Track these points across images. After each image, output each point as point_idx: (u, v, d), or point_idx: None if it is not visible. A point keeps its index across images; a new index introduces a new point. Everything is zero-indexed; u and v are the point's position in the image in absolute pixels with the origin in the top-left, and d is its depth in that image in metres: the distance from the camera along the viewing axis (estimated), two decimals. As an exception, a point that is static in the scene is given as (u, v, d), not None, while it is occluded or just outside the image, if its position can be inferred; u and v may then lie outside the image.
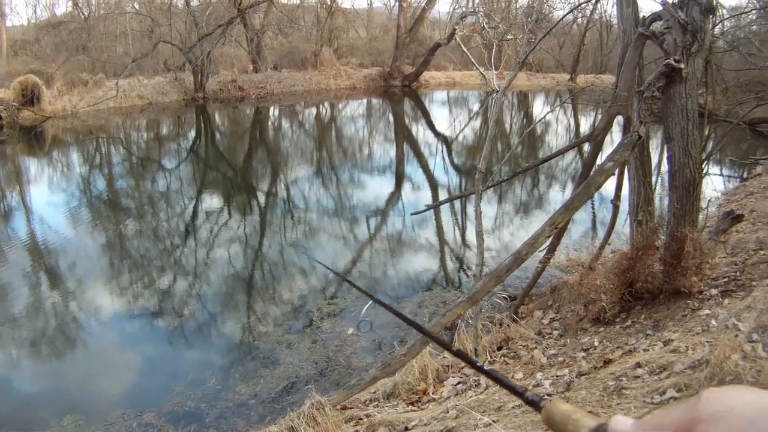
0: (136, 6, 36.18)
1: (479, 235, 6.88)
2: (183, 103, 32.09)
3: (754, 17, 20.62)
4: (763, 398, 0.75)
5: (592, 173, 6.44)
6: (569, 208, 5.95)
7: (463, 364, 6.83)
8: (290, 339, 8.36)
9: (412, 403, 6.04)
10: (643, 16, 7.33)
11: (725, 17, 14.82)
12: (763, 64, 16.83)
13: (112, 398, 7.11)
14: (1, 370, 7.80)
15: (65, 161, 21.50)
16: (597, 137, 7.93)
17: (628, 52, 7.30)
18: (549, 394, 4.90)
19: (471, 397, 5.62)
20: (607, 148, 7.92)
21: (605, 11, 46.00)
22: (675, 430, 0.80)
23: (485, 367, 1.46)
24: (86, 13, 36.22)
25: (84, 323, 9.05)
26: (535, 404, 1.21)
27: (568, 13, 37.62)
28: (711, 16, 7.12)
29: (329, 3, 42.24)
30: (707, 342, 4.66)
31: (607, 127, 7.91)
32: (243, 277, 10.82)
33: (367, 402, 6.37)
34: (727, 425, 0.74)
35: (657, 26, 6.89)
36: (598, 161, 7.05)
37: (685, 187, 6.55)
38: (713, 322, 5.21)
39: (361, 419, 5.72)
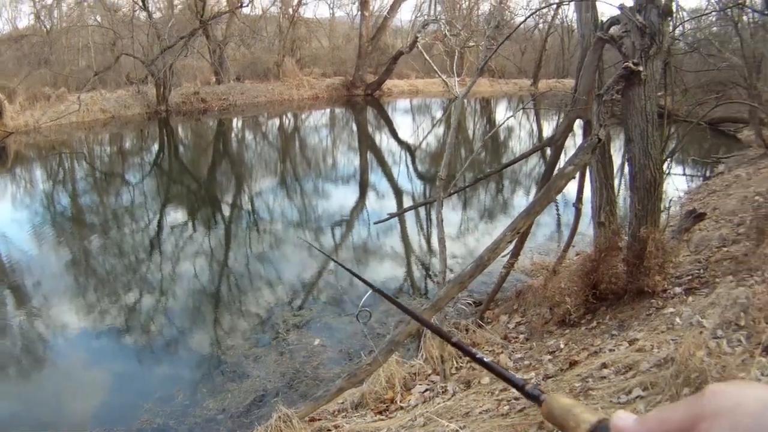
0: (99, 19, 35.85)
1: (441, 242, 6.88)
2: (146, 116, 31.88)
3: (713, 19, 20.91)
4: None
5: (552, 177, 6.46)
6: (530, 213, 5.97)
7: (430, 371, 6.82)
8: (257, 352, 8.30)
9: (380, 412, 6.02)
10: (602, 21, 7.39)
11: (685, 19, 15.01)
12: (722, 64, 17.06)
13: (80, 418, 7.00)
14: (-35, 393, 7.68)
15: (28, 177, 21.24)
16: (557, 141, 7.97)
17: (587, 56, 7.35)
18: (516, 398, 4.90)
19: (439, 404, 5.61)
20: (570, 152, 7.97)
21: (566, 16, 46.43)
22: (679, 426, 0.79)
23: (485, 359, 1.45)
24: (48, 27, 35.82)
25: (50, 342, 8.93)
26: (535, 398, 1.19)
27: (526, 18, 38.04)
28: (669, 19, 7.19)
29: (291, 13, 42.22)
30: (672, 340, 4.69)
31: (567, 130, 7.94)
32: (209, 291, 10.73)
33: (336, 413, 6.34)
34: (732, 421, 0.73)
35: (616, 30, 6.94)
36: (560, 165, 7.07)
37: (646, 188, 6.60)
38: (678, 320, 5.24)
39: (329, 430, 5.69)
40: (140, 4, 33.44)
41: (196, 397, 7.29)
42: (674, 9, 8.23)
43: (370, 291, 3.28)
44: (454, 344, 1.66)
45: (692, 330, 4.47)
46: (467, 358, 7.04)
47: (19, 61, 34.06)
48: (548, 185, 6.08)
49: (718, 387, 0.77)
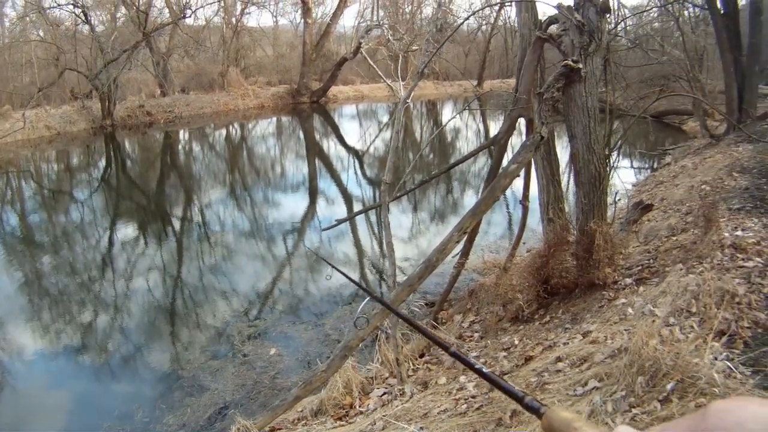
0: (41, 34, 35.41)
1: (389, 245, 6.89)
2: (91, 131, 31.56)
3: (655, 15, 21.27)
4: None
5: (497, 176, 6.51)
6: (476, 213, 6.02)
7: (387, 374, 6.83)
8: (215, 365, 8.24)
9: (339, 418, 6.01)
10: (541, 20, 7.46)
11: (627, 16, 15.21)
12: (664, 58, 17.36)
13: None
14: None
15: (-27, 199, 20.89)
16: (500, 140, 8.03)
17: (527, 56, 7.42)
18: (473, 396, 4.92)
19: (397, 406, 5.62)
20: (514, 150, 8.04)
21: (509, 17, 46.96)
22: None
23: (484, 370, 1.45)
24: (-9, 43, 35.36)
25: (4, 364, 8.77)
26: (535, 410, 1.20)
27: (467, 19, 38.35)
28: (608, 16, 7.29)
29: (235, 23, 42.08)
30: (625, 330, 4.74)
31: (510, 129, 8.01)
32: (164, 306, 10.64)
33: (296, 421, 6.32)
34: None
35: (554, 29, 7.01)
36: (504, 164, 7.12)
37: (591, 183, 6.67)
38: (630, 310, 5.30)
39: (290, 439, 5.68)
40: (82, 18, 33.08)
41: (155, 413, 7.22)
42: (614, 6, 8.35)
43: (368, 298, 3.28)
44: (452, 354, 1.67)
45: (644, 319, 4.52)
46: (424, 359, 7.08)
47: (-39, 78, 33.52)
48: (493, 184, 6.13)
49: (720, 405, 0.78)
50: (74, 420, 7.40)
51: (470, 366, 1.49)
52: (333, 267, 4.59)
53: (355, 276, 11.54)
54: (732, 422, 0.74)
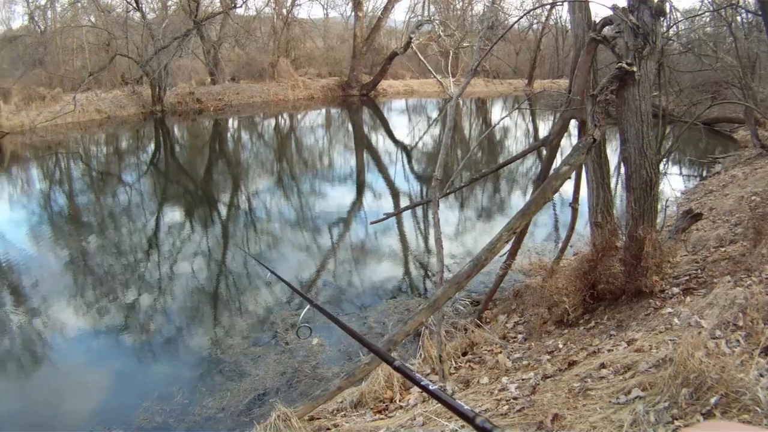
0: (93, 19, 35.80)
1: (438, 241, 6.88)
2: (141, 116, 31.95)
3: (707, 19, 20.93)
4: None
5: (548, 177, 6.48)
6: (526, 213, 5.98)
7: (428, 370, 6.84)
8: (256, 351, 8.30)
9: (379, 412, 6.02)
10: (595, 21, 7.40)
11: (679, 20, 15.03)
12: (717, 64, 17.09)
13: (79, 416, 7.00)
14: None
15: (25, 177, 21.22)
16: (552, 141, 7.98)
17: (580, 57, 7.36)
18: (515, 398, 4.91)
19: (437, 403, 5.62)
20: (565, 152, 7.98)
21: (560, 17, 46.54)
22: None
23: (430, 387, 1.43)
24: (42, 27, 35.80)
25: (48, 341, 8.92)
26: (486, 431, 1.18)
27: (519, 18, 38.15)
28: (662, 19, 7.21)
29: (285, 14, 42.22)
30: (670, 340, 4.70)
31: (561, 130, 7.96)
32: (207, 291, 10.73)
33: (335, 412, 6.35)
34: None
35: (609, 30, 6.95)
36: (555, 165, 7.09)
37: (642, 188, 6.61)
38: (676, 320, 5.25)
39: (329, 429, 5.70)
40: (133, 4, 33.45)
41: (195, 395, 7.30)
42: (667, 9, 8.25)
43: (308, 306, 3.28)
44: (396, 369, 1.65)
45: (690, 330, 4.49)
46: (466, 358, 7.08)
47: (14, 61, 34.02)
48: (544, 185, 6.09)
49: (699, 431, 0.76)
50: (114, 397, 7.50)
51: (416, 382, 1.47)
52: (272, 272, 4.59)
53: (399, 271, 11.54)
54: None
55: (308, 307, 3.31)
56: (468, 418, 1.20)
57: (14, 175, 21.61)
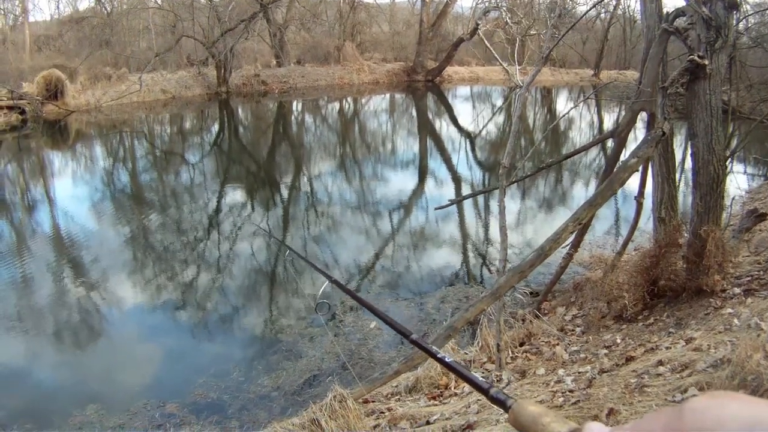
0: (159, 1, 36.40)
1: (503, 230, 6.86)
2: (206, 97, 32.37)
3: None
4: (751, 409, 0.73)
5: (615, 169, 6.43)
6: (593, 204, 5.94)
7: (485, 359, 6.85)
8: (313, 332, 8.39)
9: (433, 398, 6.05)
10: (667, 12, 7.28)
11: (749, 13, 14.71)
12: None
13: (134, 389, 7.16)
14: (25, 360, 7.87)
15: (89, 155, 21.68)
16: (620, 133, 7.89)
17: (651, 48, 7.26)
18: (571, 391, 4.91)
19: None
20: (631, 145, 7.89)
21: (629, 7, 46.02)
22: None
23: (446, 359, 1.44)
24: (109, 9, 36.51)
25: (107, 315, 9.13)
26: (500, 403, 1.17)
27: (591, 8, 37.46)
28: (735, 12, 7.08)
29: (352, -2, 42.31)
30: (729, 341, 4.65)
31: (630, 123, 7.86)
32: (265, 271, 10.86)
33: (389, 396, 6.40)
34: None
35: (681, 22, 6.85)
36: (622, 157, 7.02)
37: (709, 185, 6.52)
38: (736, 321, 5.19)
39: (382, 413, 5.74)
40: (201, -13, 33.79)
41: (250, 373, 7.41)
42: (740, 2, 8.10)
43: (327, 282, 3.32)
44: (411, 341, 1.66)
45: (750, 332, 4.44)
46: (523, 348, 7.07)
47: (80, 42, 34.79)
48: (611, 177, 6.04)
49: (699, 402, 0.75)
50: (171, 372, 7.68)
51: (432, 355, 1.48)
52: (291, 250, 4.61)
53: (458, 258, 11.54)
54: (711, 421, 0.70)
55: (327, 282, 3.36)
56: (483, 389, 1.22)
57: (78, 152, 22.08)
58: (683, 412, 0.75)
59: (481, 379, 1.24)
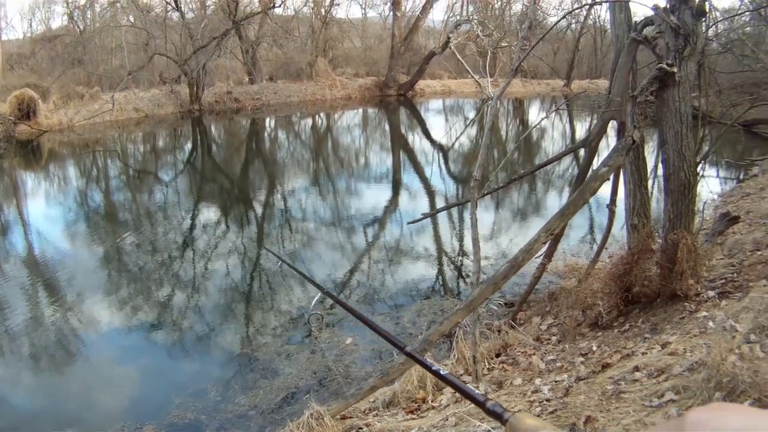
0: (132, 19, 36.28)
1: (476, 242, 6.87)
2: (179, 115, 32.30)
3: (747, 19, 20.67)
4: (752, 420, 0.71)
5: (587, 179, 6.45)
6: (565, 214, 5.96)
7: (462, 371, 6.84)
8: (289, 349, 8.35)
9: (411, 412, 6.03)
10: (636, 21, 7.35)
11: (718, 20, 14.86)
12: (757, 65, 16.87)
13: (111, 411, 7.08)
14: (1, 385, 7.78)
15: (62, 175, 21.54)
16: (591, 142, 7.93)
17: (621, 57, 7.32)
18: (548, 400, 4.90)
19: (470, 404, 5.61)
20: (603, 153, 7.93)
21: (599, 17, 46.31)
22: None
23: (442, 372, 1.42)
24: (81, 27, 36.37)
25: (83, 337, 9.04)
26: (497, 416, 1.15)
27: (560, 19, 37.97)
28: (703, 19, 7.14)
29: (324, 13, 42.40)
30: (705, 344, 4.66)
31: (601, 132, 7.91)
32: (241, 289, 10.82)
33: (367, 411, 6.37)
34: None
35: (649, 31, 6.90)
36: (594, 166, 7.05)
37: (680, 190, 6.56)
38: (711, 323, 5.21)
39: (360, 428, 5.72)
40: (173, 4, 33.87)
41: (227, 393, 7.36)
42: (708, 9, 8.17)
43: (319, 294, 3.33)
44: (407, 354, 1.65)
45: (725, 334, 4.45)
46: (500, 359, 7.06)
47: (53, 60, 34.66)
48: (582, 187, 6.07)
49: (699, 414, 0.74)
50: (147, 393, 7.61)
51: (427, 368, 1.47)
52: (283, 261, 4.65)
53: (434, 271, 11.54)
54: None
55: (319, 294, 3.37)
56: (479, 402, 1.20)
57: (52, 172, 21.94)
58: (684, 423, 0.75)
59: (477, 392, 1.22)
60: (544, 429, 0.99)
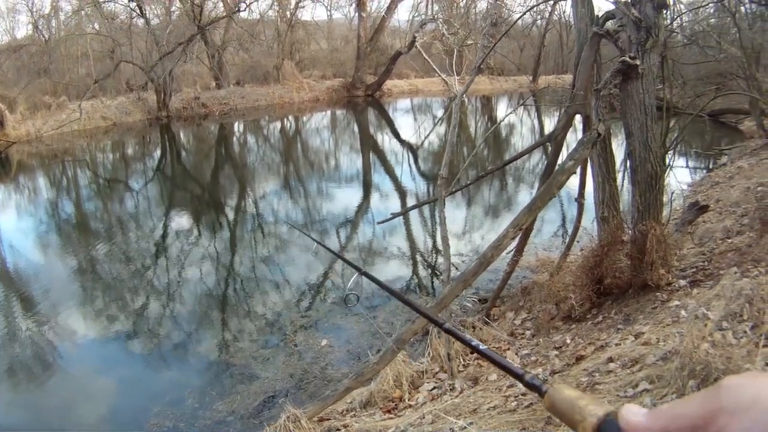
0: (97, 27, 36.00)
1: (445, 240, 6.89)
2: (147, 122, 32.14)
3: (711, 11, 20.88)
4: None
5: (554, 173, 6.48)
6: (532, 209, 5.99)
7: (437, 369, 6.85)
8: (265, 354, 8.34)
9: (388, 411, 6.04)
10: (598, 15, 7.39)
11: (683, 12, 14.99)
12: (721, 56, 17.03)
13: (89, 422, 7.05)
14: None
15: (32, 186, 21.32)
16: (557, 137, 7.97)
17: (583, 52, 7.35)
18: (524, 394, 4.92)
19: (446, 401, 5.63)
20: (571, 147, 7.98)
21: (564, 12, 46.55)
22: (693, 422, 0.76)
23: (481, 347, 1.43)
24: (47, 36, 36.01)
25: (59, 348, 8.96)
26: (536, 388, 1.16)
27: (523, 14, 38.06)
28: (665, 12, 7.19)
29: (289, 16, 42.30)
30: (677, 333, 4.69)
31: (566, 126, 7.95)
32: (216, 295, 10.76)
33: (344, 412, 6.37)
34: (751, 418, 0.70)
35: (611, 24, 6.94)
36: (560, 160, 7.08)
37: (647, 182, 6.60)
38: (683, 312, 5.24)
39: (338, 429, 5.72)
40: (138, 11, 33.65)
41: (205, 399, 7.33)
42: (670, 2, 8.24)
43: (356, 274, 3.31)
44: (446, 330, 1.66)
45: (697, 322, 4.48)
46: (474, 355, 7.07)
47: (19, 71, 34.27)
48: (549, 181, 6.10)
49: (734, 381, 0.74)
50: (125, 403, 7.54)
51: (466, 343, 1.47)
52: (317, 242, 4.63)
53: (407, 270, 11.57)
54: (748, 399, 0.70)
55: (356, 275, 3.34)
56: (518, 375, 1.21)
57: (21, 184, 21.72)
58: (720, 390, 0.75)
59: (515, 365, 1.23)
60: (582, 399, 0.99)
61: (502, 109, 38.13)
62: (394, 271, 11.47)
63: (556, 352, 5.98)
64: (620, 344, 5.20)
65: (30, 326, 9.67)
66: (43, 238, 14.62)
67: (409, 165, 23.12)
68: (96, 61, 35.08)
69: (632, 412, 0.86)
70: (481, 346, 1.43)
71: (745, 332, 4.10)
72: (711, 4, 18.95)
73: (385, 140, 29.24)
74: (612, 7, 6.87)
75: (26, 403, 7.70)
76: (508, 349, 6.80)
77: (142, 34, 34.38)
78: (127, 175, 23.03)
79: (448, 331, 1.68)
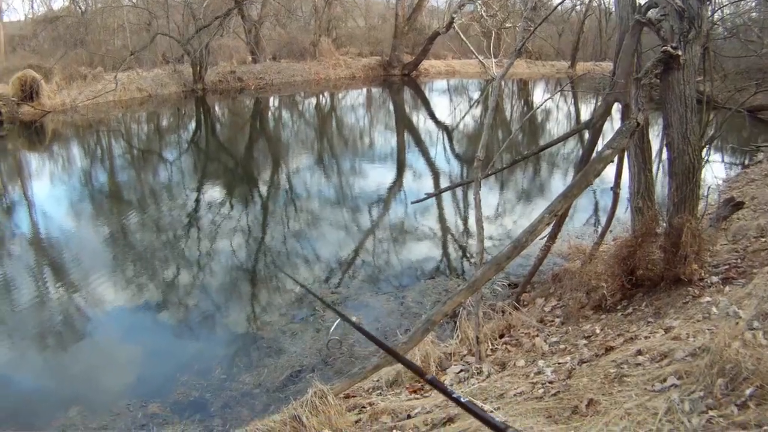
0: (133, -1, 36.13)
1: (479, 222, 6.87)
2: (182, 94, 32.22)
3: (753, 4, 20.60)
4: None
5: (591, 160, 6.45)
6: (568, 196, 5.96)
7: (465, 351, 6.86)
8: (294, 328, 8.40)
9: (414, 391, 6.06)
10: (640, 4, 7.32)
11: (724, 4, 14.78)
12: (763, 50, 16.79)
13: (117, 390, 7.13)
14: (7, 364, 7.82)
15: (66, 155, 21.49)
16: (595, 124, 7.92)
17: (625, 40, 7.29)
18: (550, 382, 4.93)
19: (473, 385, 5.65)
20: (608, 135, 7.93)
21: (604, -1, 45.89)
22: None
23: (462, 399, 1.45)
24: (83, 8, 36.19)
25: (89, 315, 9.08)
26: None
27: (562, 1, 37.57)
28: (708, 3, 7.12)
29: (326, -7, 42.16)
30: (708, 329, 4.67)
31: (605, 114, 7.89)
32: (246, 267, 10.84)
33: (370, 390, 6.40)
34: None
35: (654, 13, 6.87)
36: (597, 148, 7.04)
37: (685, 174, 6.55)
38: (714, 309, 5.22)
39: (364, 407, 5.75)
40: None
41: (232, 371, 7.42)
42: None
43: (338, 320, 3.32)
44: (428, 381, 1.67)
45: (728, 320, 4.45)
46: (503, 340, 7.09)
47: (55, 41, 34.52)
48: (586, 168, 6.06)
49: None
50: (153, 372, 7.64)
51: (448, 395, 1.49)
52: (302, 286, 4.63)
53: (438, 252, 11.55)
54: None
55: (338, 320, 3.37)
56: (500, 429, 1.22)
57: (56, 153, 21.86)
58: None
59: (497, 419, 1.24)
60: None
61: (538, 94, 37.84)
62: (424, 250, 11.48)
63: (585, 342, 5.97)
64: (650, 337, 5.19)
65: (61, 293, 9.81)
66: (76, 206, 14.75)
67: (444, 146, 23.02)
68: (132, 34, 35.16)
69: None
70: (462, 399, 1.44)
71: (776, 333, 4.07)
72: (753, -2, 18.71)
73: (421, 120, 29.10)
74: (655, -5, 6.80)
75: (55, 368, 7.83)
76: (537, 335, 6.80)
77: (179, 7, 34.35)
78: (161, 147, 23.17)
79: (430, 382, 1.69)
